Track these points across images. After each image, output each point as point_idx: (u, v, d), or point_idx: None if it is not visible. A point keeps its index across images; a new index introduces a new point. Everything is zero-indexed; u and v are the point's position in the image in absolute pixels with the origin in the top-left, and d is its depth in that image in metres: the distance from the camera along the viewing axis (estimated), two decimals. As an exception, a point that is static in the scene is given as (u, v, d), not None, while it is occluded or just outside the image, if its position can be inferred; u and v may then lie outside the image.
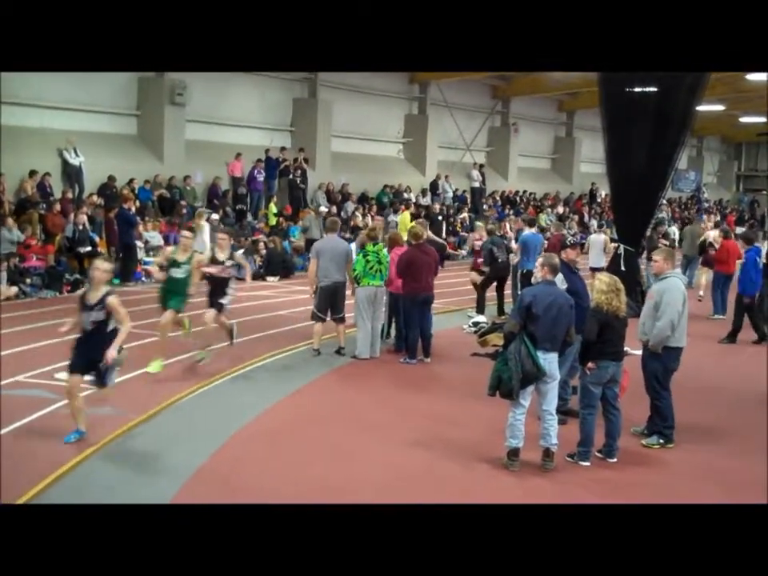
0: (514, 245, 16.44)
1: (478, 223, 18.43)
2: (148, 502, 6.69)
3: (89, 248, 18.85)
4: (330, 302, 12.30)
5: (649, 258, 14.36)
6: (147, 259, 20.21)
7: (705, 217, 29.17)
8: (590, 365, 8.10)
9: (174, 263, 11.22)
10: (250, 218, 24.21)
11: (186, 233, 11.85)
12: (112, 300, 8.11)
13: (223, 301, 11.53)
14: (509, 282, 16.07)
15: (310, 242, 22.06)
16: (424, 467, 8.03)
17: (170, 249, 12.55)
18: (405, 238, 13.49)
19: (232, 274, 11.60)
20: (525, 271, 14.71)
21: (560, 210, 34.79)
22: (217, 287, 11.50)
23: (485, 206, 31.33)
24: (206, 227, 20.44)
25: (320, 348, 12.42)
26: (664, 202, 21.86)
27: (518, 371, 7.69)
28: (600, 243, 18.63)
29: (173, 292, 11.26)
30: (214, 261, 11.43)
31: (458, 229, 28.34)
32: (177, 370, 11.21)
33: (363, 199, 27.98)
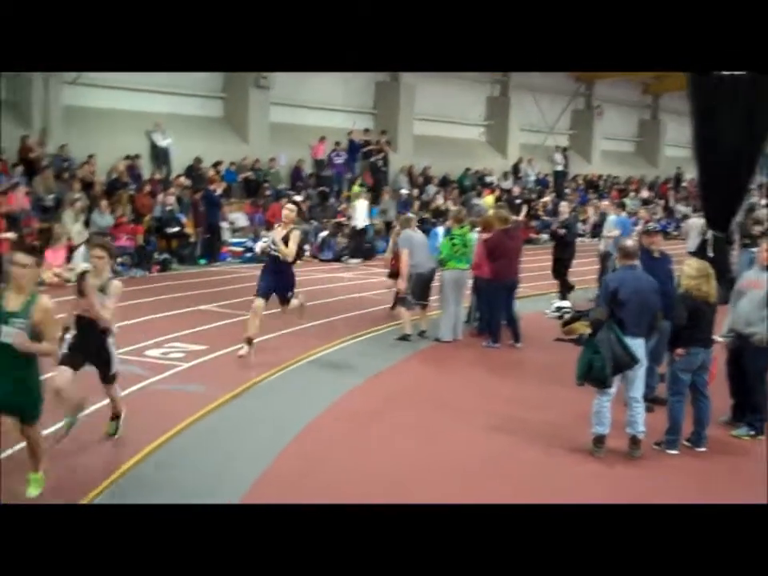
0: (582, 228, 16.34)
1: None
2: (231, 483, 6.88)
3: (176, 228, 19.29)
4: (425, 288, 12.42)
5: (744, 245, 14.02)
6: (232, 240, 20.59)
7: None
8: (679, 351, 7.97)
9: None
10: (332, 200, 24.38)
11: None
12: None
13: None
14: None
15: (388, 225, 22.23)
16: (507, 451, 8.04)
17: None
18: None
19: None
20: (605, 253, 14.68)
21: (644, 194, 34.16)
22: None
23: (567, 190, 30.95)
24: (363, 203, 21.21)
25: (405, 333, 12.46)
26: (755, 186, 21.26)
27: (609, 359, 7.63)
28: (698, 228, 18.18)
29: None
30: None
31: (539, 213, 28.07)
32: (260, 350, 11.38)
33: (445, 182, 27.92)
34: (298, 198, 22.10)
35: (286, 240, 10.71)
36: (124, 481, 6.90)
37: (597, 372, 7.70)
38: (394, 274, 12.94)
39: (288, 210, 11.09)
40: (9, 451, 6.98)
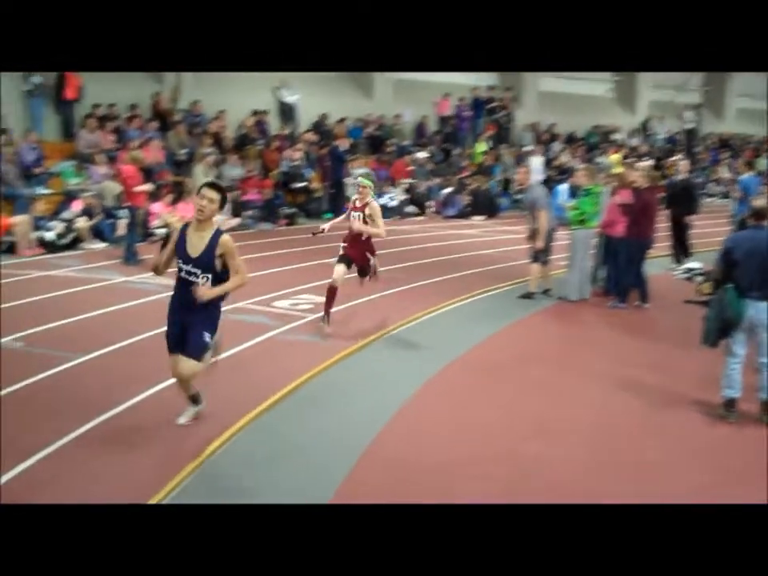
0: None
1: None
2: (356, 432, 7.05)
3: (303, 183, 19.62)
4: (549, 244, 12.39)
5: None
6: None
7: None
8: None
9: None
10: (456, 156, 24.28)
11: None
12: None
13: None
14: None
15: (507, 182, 22.09)
16: (636, 412, 7.95)
17: None
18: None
19: None
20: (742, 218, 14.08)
21: (780, 154, 32.72)
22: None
23: (698, 149, 29.95)
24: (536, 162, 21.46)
25: (529, 291, 12.42)
26: None
27: (715, 320, 7.49)
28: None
29: None
30: None
31: (668, 173, 27.24)
32: (384, 305, 11.52)
33: (570, 140, 27.42)
34: (422, 155, 22.18)
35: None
36: (252, 427, 7.16)
37: (703, 332, 7.59)
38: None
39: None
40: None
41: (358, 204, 10.01)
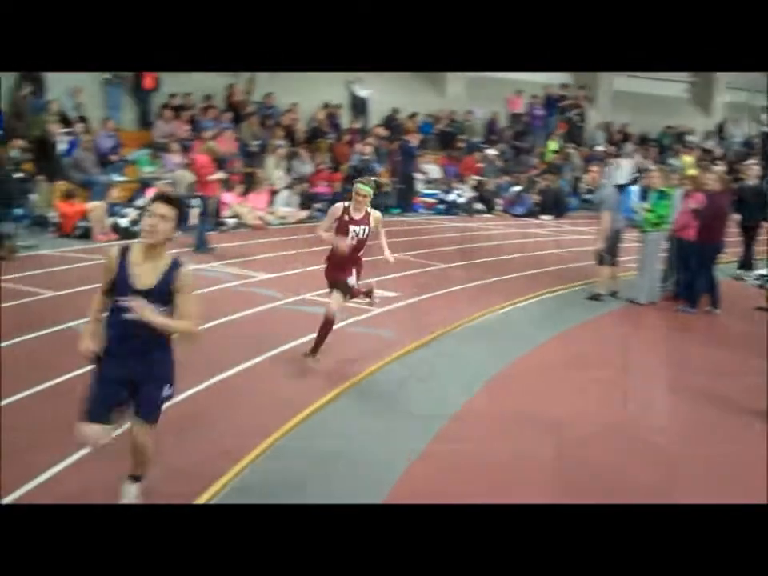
0: None
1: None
2: (422, 423, 7.09)
3: (372, 178, 19.64)
4: (616, 246, 12.28)
5: None
6: (425, 191, 20.81)
7: None
8: None
9: None
10: (526, 154, 24.14)
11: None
12: None
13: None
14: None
15: (577, 181, 21.93)
16: (701, 419, 7.85)
17: None
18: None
19: None
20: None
21: None
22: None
23: (776, 153, 29.23)
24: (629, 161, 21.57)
25: (597, 292, 12.32)
26: None
27: None
28: None
29: None
30: None
31: (743, 176, 26.68)
32: (448, 302, 11.53)
33: (643, 140, 27.03)
34: (492, 152, 22.11)
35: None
36: (328, 410, 7.27)
37: None
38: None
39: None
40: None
41: (355, 215, 8.28)
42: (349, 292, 8.41)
